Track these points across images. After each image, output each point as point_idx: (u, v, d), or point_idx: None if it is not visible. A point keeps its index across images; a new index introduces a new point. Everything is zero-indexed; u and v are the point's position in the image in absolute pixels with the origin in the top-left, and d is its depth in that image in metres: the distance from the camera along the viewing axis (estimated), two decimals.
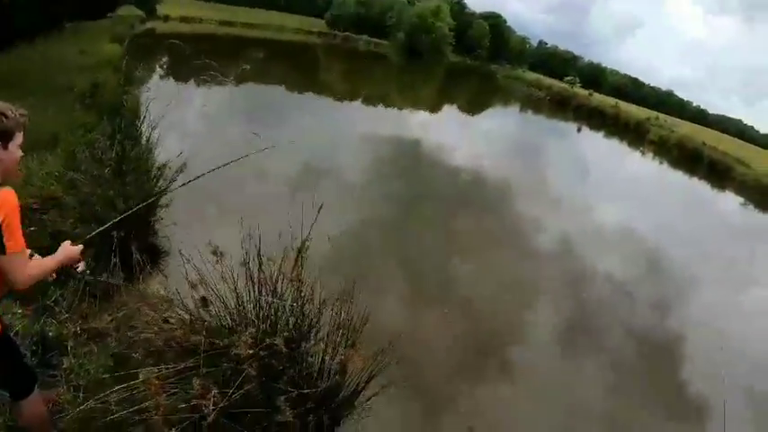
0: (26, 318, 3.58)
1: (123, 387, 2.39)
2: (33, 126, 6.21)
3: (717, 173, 29.30)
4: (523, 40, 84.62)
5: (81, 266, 2.50)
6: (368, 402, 3.02)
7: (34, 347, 3.34)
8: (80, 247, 2.47)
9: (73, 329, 3.62)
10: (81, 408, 2.53)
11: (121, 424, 2.41)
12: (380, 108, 22.29)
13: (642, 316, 7.82)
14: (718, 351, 7.24)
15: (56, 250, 4.14)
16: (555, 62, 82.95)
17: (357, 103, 21.62)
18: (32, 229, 4.15)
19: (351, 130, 15.19)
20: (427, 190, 11.39)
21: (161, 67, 15.88)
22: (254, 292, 2.69)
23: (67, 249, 2.41)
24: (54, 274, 2.50)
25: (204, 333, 2.43)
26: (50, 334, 3.52)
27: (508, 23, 79.50)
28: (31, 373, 2.48)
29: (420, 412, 4.47)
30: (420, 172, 12.81)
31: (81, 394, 2.98)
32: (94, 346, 3.46)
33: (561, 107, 42.56)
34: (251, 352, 2.25)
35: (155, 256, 4.78)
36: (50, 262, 2.31)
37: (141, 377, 2.20)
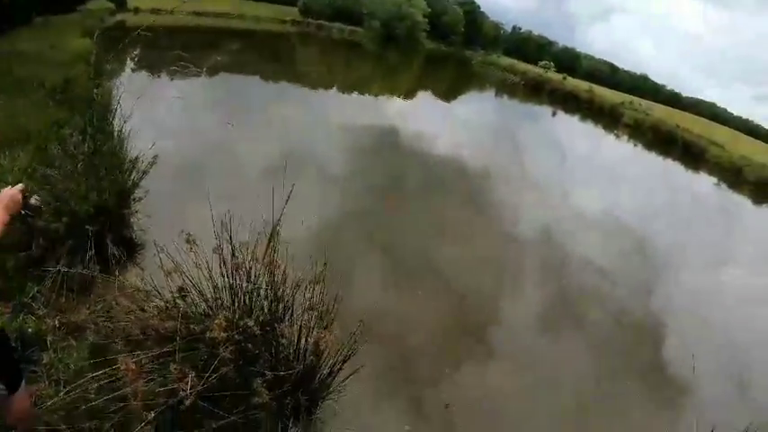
0: (4, 315, 3.59)
1: (102, 373, 2.43)
2: (4, 122, 6.15)
3: (691, 155, 29.98)
4: (497, 25, 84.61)
5: (33, 200, 2.35)
6: (344, 383, 3.11)
7: (14, 344, 3.35)
8: (18, 186, 2.25)
9: (52, 324, 3.65)
10: (61, 396, 2.57)
11: (102, 411, 2.46)
12: (357, 96, 22.23)
13: (622, 298, 8.01)
14: (698, 333, 7.51)
15: (31, 246, 4.16)
16: (530, 47, 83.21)
17: (333, 92, 21.53)
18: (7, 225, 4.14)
19: (327, 119, 15.16)
20: (405, 177, 11.44)
21: (132, 60, 15.61)
22: (229, 277, 2.74)
23: (4, 195, 2.16)
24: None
25: (180, 319, 2.48)
26: (29, 330, 3.54)
27: (482, 9, 79.44)
28: (20, 366, 2.49)
29: (398, 392, 4.59)
30: (397, 159, 12.83)
31: (62, 388, 3.02)
32: (73, 340, 3.49)
33: (536, 92, 42.94)
34: (225, 335, 2.31)
35: (130, 248, 4.79)
36: None
37: (119, 363, 2.24)
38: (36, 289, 3.99)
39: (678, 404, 5.62)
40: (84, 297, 4.06)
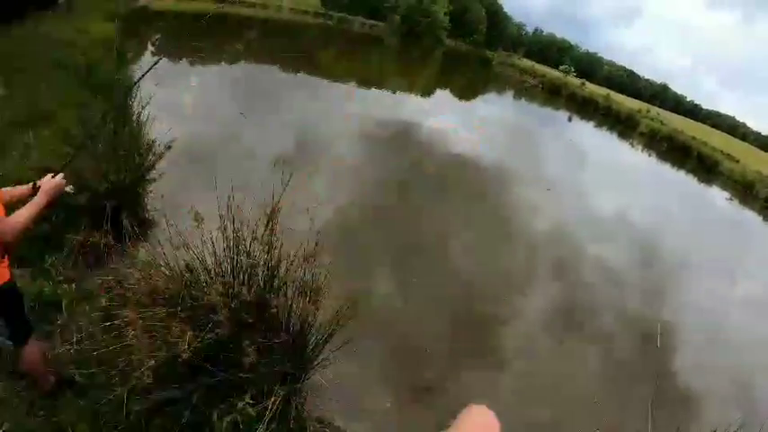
0: (23, 278, 3.89)
1: (111, 327, 2.73)
2: (30, 103, 6.46)
3: (705, 167, 29.88)
4: (520, 27, 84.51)
5: (69, 188, 2.65)
6: (330, 357, 3.39)
7: (32, 304, 3.66)
8: (59, 175, 2.59)
9: (67, 289, 3.97)
10: (74, 350, 2.90)
11: (109, 360, 2.77)
12: (374, 91, 22.35)
13: (628, 302, 8.20)
14: (706, 340, 7.68)
15: (52, 217, 4.48)
16: (551, 50, 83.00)
17: (351, 85, 21.69)
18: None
19: (344, 112, 15.33)
20: (420, 173, 11.65)
21: (153, 45, 15.96)
22: (230, 253, 3.03)
23: (49, 183, 2.50)
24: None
25: (184, 286, 2.79)
26: (47, 294, 3.85)
27: (505, 9, 79.26)
28: (30, 323, 2.79)
29: (385, 373, 4.87)
30: (413, 155, 12.95)
31: (75, 346, 3.34)
32: (86, 305, 3.80)
33: (554, 95, 42.80)
34: (221, 299, 2.60)
35: (143, 226, 5.11)
36: (36, 203, 2.41)
37: (127, 318, 2.54)
38: (54, 258, 4.32)
39: (680, 413, 5.66)
40: (98, 268, 4.39)
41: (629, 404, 5.40)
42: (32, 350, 2.79)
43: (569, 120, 33.97)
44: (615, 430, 3.90)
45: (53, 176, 2.57)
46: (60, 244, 4.37)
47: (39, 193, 2.47)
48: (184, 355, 2.39)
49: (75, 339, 3.42)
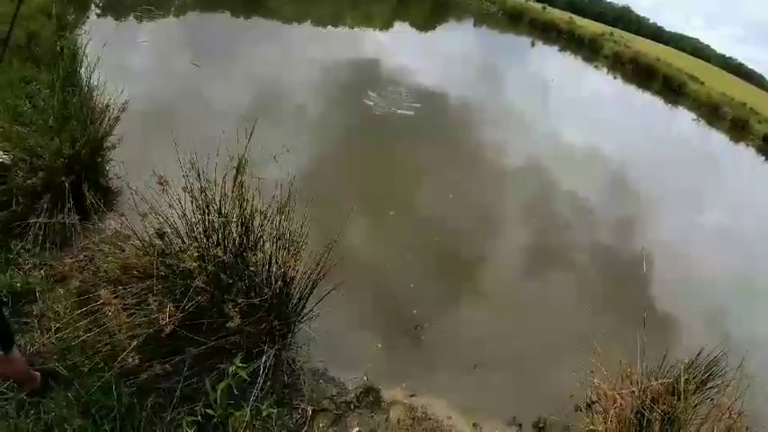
0: None
1: (88, 312, 2.62)
2: None
3: (670, 89, 29.98)
4: None
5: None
6: (315, 308, 3.35)
7: (5, 299, 3.51)
8: None
9: (39, 276, 3.80)
10: (54, 339, 2.78)
11: (92, 346, 2.66)
12: (331, 29, 21.53)
13: (605, 235, 8.29)
14: (678, 269, 7.80)
15: (12, 204, 4.24)
16: None
17: (307, 25, 20.80)
18: None
19: (301, 55, 14.74)
20: (384, 113, 11.25)
21: (97, 6, 14.97)
22: (200, 213, 2.90)
23: None
24: None
25: (156, 255, 2.67)
26: (18, 285, 3.68)
27: None
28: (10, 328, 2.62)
29: (371, 316, 4.89)
30: (374, 94, 12.58)
31: (54, 334, 3.21)
32: (60, 288, 3.66)
33: (515, 21, 41.87)
34: (197, 264, 2.51)
35: (107, 196, 4.90)
36: None
37: (102, 299, 2.42)
38: (20, 245, 4.12)
39: (665, 331, 5.85)
40: (66, 247, 4.22)
41: (613, 332, 5.49)
42: (18, 360, 2.64)
43: (532, 45, 33.44)
44: (600, 357, 3.95)
45: None
46: (24, 230, 4.16)
47: None
48: (167, 329, 2.31)
49: (54, 328, 3.28)
